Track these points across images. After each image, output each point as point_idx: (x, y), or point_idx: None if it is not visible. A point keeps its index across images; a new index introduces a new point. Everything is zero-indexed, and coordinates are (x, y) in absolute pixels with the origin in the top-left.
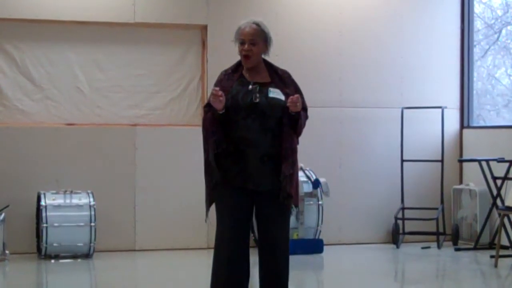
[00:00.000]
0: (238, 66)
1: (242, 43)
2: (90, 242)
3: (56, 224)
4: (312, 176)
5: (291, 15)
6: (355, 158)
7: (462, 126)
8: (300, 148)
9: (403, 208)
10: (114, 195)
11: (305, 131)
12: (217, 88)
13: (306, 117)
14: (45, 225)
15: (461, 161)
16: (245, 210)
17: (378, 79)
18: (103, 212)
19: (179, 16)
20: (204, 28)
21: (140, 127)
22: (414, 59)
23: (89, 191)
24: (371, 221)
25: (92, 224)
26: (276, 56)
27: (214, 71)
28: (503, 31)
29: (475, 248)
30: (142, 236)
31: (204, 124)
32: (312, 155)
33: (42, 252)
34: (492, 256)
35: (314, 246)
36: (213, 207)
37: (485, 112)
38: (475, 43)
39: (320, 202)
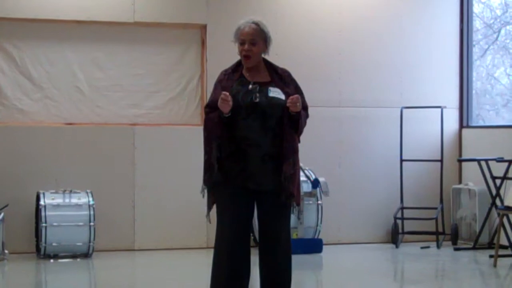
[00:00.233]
0: (238, 66)
1: (242, 43)
2: (89, 242)
3: (55, 224)
4: (311, 175)
5: (291, 14)
6: (355, 157)
7: (461, 126)
8: (300, 147)
9: (402, 208)
10: (113, 194)
11: (305, 131)
12: (227, 93)
13: (307, 116)
14: (44, 224)
15: (460, 161)
16: (245, 209)
17: (377, 79)
18: (102, 212)
19: (179, 16)
20: (203, 27)
21: (140, 127)
22: (413, 58)
23: (88, 191)
24: (371, 220)
25: (91, 223)
26: (276, 56)
27: (214, 71)
28: (502, 31)
29: (474, 248)
30: (141, 235)
31: (206, 126)
32: (311, 155)
33: (41, 251)
34: (491, 256)
35: (314, 246)
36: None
37: (484, 111)
38: (474, 42)
39: (319, 202)
